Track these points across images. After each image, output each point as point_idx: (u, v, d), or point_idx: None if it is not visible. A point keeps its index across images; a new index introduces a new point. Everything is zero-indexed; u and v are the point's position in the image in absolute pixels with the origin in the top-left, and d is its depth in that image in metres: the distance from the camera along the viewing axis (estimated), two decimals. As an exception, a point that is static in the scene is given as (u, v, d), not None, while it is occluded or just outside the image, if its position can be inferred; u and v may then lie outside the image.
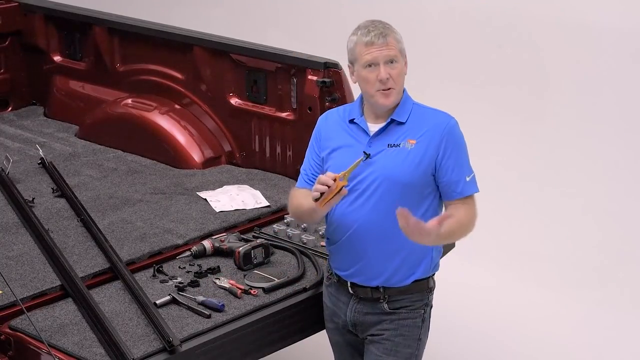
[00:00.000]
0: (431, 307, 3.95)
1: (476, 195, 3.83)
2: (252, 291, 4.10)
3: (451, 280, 5.68)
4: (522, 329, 5.79)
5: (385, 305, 3.86)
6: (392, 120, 3.82)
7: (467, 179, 3.80)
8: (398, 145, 3.79)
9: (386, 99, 3.79)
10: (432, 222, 3.58)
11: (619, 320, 5.84)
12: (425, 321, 3.91)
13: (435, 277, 3.96)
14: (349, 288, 3.91)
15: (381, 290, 3.85)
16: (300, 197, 3.92)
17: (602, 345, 5.66)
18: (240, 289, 4.10)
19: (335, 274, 3.96)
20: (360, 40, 3.79)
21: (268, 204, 4.93)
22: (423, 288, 3.88)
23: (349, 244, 3.85)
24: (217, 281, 4.17)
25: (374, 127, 3.85)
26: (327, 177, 3.67)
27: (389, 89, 3.78)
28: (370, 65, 3.77)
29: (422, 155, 3.78)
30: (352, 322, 3.94)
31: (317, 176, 3.79)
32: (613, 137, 6.35)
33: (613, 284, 6.09)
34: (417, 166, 3.77)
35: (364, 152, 3.81)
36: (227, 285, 4.13)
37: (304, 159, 4.04)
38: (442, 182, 3.80)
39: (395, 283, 3.84)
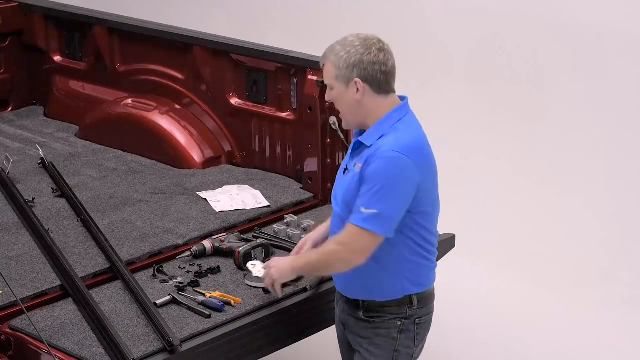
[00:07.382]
0: (416, 320, 3.82)
1: (366, 234, 3.59)
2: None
3: (451, 280, 5.68)
4: (522, 329, 5.79)
5: (361, 313, 3.83)
6: (359, 142, 3.77)
7: (362, 210, 3.60)
8: (355, 167, 3.74)
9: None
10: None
11: (619, 320, 5.84)
12: (403, 332, 3.80)
13: (436, 276, 3.94)
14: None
15: (360, 299, 3.84)
16: None
17: (602, 345, 5.65)
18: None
19: None
20: None
21: (268, 204, 4.93)
22: (403, 303, 3.79)
23: None
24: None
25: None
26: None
27: (339, 112, 3.79)
28: None
29: (358, 179, 3.69)
30: (340, 320, 3.96)
31: None
32: (613, 137, 6.34)
33: (613, 284, 6.09)
34: (355, 189, 3.69)
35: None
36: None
37: None
38: None
39: (369, 298, 3.80)
